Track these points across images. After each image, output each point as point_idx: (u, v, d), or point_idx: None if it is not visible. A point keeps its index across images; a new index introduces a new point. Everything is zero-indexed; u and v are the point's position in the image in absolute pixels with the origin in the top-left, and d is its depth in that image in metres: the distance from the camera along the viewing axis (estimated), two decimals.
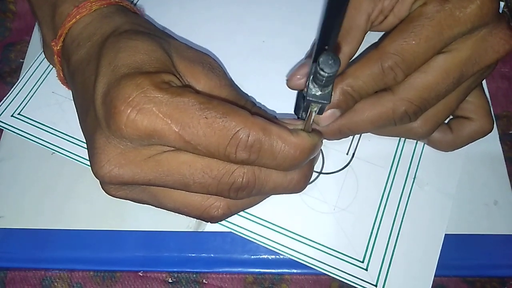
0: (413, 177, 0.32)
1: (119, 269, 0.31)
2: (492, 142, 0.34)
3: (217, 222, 0.27)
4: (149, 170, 0.24)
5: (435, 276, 0.29)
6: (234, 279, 0.31)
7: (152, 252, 0.31)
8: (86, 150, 0.32)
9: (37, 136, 0.33)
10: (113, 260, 0.31)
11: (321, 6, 0.38)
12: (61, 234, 0.31)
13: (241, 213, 0.30)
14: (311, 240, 0.30)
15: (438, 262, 0.29)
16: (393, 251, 0.29)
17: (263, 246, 0.30)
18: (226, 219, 0.29)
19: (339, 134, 0.29)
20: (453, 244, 0.30)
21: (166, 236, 0.31)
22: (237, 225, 0.30)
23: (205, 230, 0.31)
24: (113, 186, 0.25)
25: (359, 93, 0.27)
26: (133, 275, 0.31)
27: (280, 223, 0.31)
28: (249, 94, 0.34)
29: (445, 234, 0.30)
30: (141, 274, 0.31)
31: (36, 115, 0.34)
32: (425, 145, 0.33)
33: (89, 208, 0.32)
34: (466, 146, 0.32)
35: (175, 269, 0.31)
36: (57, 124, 0.34)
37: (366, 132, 0.31)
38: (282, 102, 0.34)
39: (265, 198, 0.29)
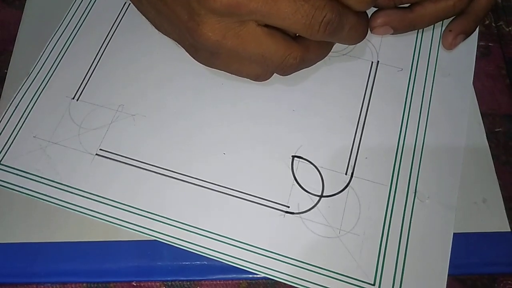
0: (414, 191, 0.31)
1: (113, 280, 0.31)
2: (479, 140, 0.34)
3: (291, 72, 0.29)
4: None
5: None
6: (228, 285, 0.31)
7: (145, 262, 0.31)
8: (79, 196, 0.31)
9: (21, 186, 0.32)
10: (106, 271, 0.31)
11: None
12: (51, 247, 0.31)
13: (241, 245, 0.30)
14: (318, 267, 0.29)
15: None
16: (403, 269, 0.29)
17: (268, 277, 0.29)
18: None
19: (406, 27, 0.33)
20: None
21: (159, 245, 0.31)
22: (239, 258, 0.30)
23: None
24: (214, 19, 0.25)
25: None
26: (126, 285, 0.31)
27: (283, 251, 0.30)
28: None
29: None
30: (135, 284, 0.31)
31: (18, 163, 0.33)
32: (422, 156, 0.32)
33: (79, 219, 0.31)
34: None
35: (169, 278, 0.31)
36: (43, 171, 0.32)
37: (426, 26, 0.34)
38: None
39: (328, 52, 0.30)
